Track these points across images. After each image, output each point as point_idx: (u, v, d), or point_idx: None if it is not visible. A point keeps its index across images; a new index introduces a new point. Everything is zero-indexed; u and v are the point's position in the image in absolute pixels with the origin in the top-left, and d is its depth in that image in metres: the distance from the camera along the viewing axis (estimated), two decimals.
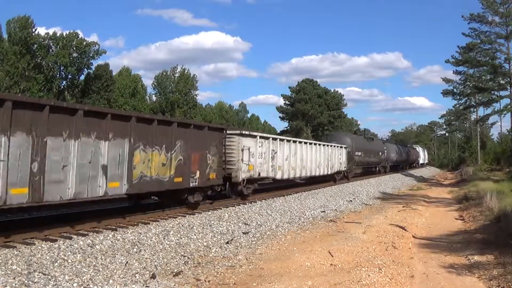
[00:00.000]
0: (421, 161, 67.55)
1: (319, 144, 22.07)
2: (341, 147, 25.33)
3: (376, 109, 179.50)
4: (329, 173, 23.16)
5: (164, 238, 8.75)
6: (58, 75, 45.24)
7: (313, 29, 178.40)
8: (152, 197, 12.23)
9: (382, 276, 6.93)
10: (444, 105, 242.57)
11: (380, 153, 36.38)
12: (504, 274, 7.29)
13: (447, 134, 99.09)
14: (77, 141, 8.04)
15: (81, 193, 8.14)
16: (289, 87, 69.91)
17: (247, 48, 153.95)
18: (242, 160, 13.88)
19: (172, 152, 10.70)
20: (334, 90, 70.99)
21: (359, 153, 29.43)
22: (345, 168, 25.93)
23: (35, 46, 42.25)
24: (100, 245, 7.72)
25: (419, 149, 68.87)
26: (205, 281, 6.58)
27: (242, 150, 13.94)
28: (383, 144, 39.54)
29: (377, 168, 36.64)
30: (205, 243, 8.99)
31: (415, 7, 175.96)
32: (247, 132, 14.83)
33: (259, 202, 14.50)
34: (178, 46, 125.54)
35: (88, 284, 5.94)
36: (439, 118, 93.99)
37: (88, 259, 6.95)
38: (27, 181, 7.12)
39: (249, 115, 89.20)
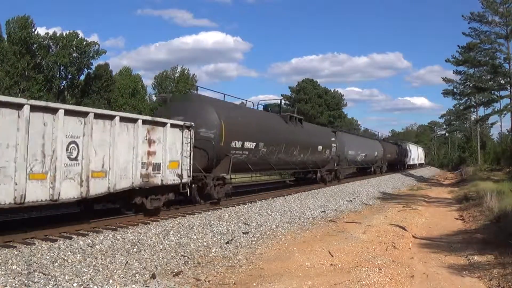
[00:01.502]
0: (410, 161, 52.03)
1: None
2: (162, 124, 10.39)
3: (376, 109, 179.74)
4: (62, 197, 7.72)
5: (164, 238, 8.75)
6: (58, 75, 45.22)
7: (313, 29, 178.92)
8: None
9: (382, 276, 6.93)
10: (444, 105, 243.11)
11: (321, 147, 21.17)
12: (504, 274, 7.30)
13: (447, 134, 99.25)
14: None
15: None
16: (289, 87, 69.90)
17: (247, 48, 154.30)
18: None
19: None
20: (334, 90, 70.97)
21: (249, 145, 14.09)
22: (185, 180, 10.99)
23: (35, 46, 42.22)
24: (100, 245, 7.71)
25: (409, 146, 54.46)
26: (205, 281, 6.58)
27: None
28: (333, 134, 24.31)
29: (318, 175, 21.73)
30: (205, 243, 8.99)
31: (415, 7, 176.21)
32: None
33: (259, 202, 14.49)
34: (178, 46, 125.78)
35: (88, 284, 5.94)
36: (439, 118, 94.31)
37: (88, 259, 6.95)
38: None
39: None
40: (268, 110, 18.46)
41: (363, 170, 33.64)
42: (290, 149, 17.67)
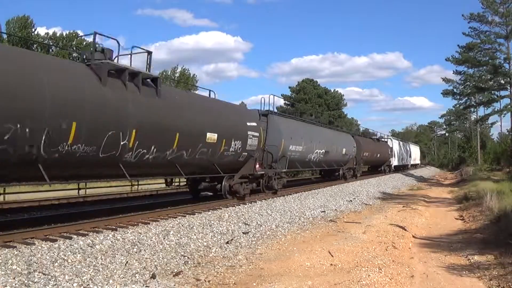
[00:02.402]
0: (397, 162, 43.02)
1: None
2: None
3: (376, 109, 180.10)
4: None
5: (164, 238, 8.75)
6: None
7: (314, 29, 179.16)
8: None
9: (382, 276, 6.92)
10: (444, 105, 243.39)
11: (216, 137, 12.03)
12: (504, 274, 7.30)
13: (447, 134, 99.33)
14: None
15: None
16: (289, 87, 69.91)
17: (247, 48, 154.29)
18: None
19: None
20: (334, 90, 70.92)
21: None
22: None
23: (35, 46, 42.24)
24: (100, 245, 7.71)
25: (397, 143, 44.98)
26: (205, 281, 6.58)
27: None
28: (256, 116, 15.44)
29: (225, 183, 13.32)
30: (205, 243, 8.99)
31: (415, 7, 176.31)
32: None
33: (259, 202, 14.49)
34: (178, 46, 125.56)
35: (88, 284, 5.94)
36: (439, 118, 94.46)
37: (88, 259, 6.94)
38: None
39: None
40: (84, 59, 9.31)
41: (328, 174, 25.87)
42: (103, 135, 8.59)
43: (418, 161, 62.37)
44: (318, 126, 24.39)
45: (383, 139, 40.60)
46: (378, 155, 35.05)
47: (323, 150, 21.30)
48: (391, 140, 42.80)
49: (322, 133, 22.65)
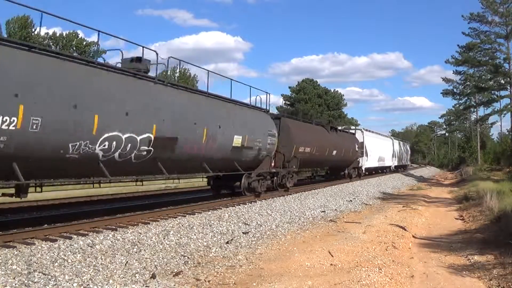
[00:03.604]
0: (370, 163, 30.93)
1: None
2: None
3: (376, 109, 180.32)
4: None
5: (164, 238, 8.75)
6: None
7: (314, 29, 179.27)
8: None
9: (382, 276, 6.92)
10: (444, 105, 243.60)
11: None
12: (504, 274, 7.30)
13: (447, 134, 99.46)
14: None
15: None
16: (289, 87, 70.03)
17: (247, 48, 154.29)
18: None
19: None
20: (334, 90, 71.04)
21: None
22: None
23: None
24: (100, 245, 7.72)
25: (369, 136, 31.68)
26: (205, 281, 6.57)
27: None
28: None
29: None
30: (205, 243, 8.99)
31: (415, 7, 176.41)
32: None
33: (259, 202, 14.49)
34: (179, 46, 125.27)
35: (88, 284, 5.94)
36: (439, 118, 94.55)
37: (88, 259, 6.95)
38: None
39: None
40: None
41: (224, 186, 14.83)
42: None
43: (408, 161, 53.48)
44: (132, 78, 9.99)
45: (348, 130, 29.39)
46: (335, 152, 22.72)
47: (155, 136, 9.89)
48: (362, 132, 30.47)
49: (148, 96, 10.07)
